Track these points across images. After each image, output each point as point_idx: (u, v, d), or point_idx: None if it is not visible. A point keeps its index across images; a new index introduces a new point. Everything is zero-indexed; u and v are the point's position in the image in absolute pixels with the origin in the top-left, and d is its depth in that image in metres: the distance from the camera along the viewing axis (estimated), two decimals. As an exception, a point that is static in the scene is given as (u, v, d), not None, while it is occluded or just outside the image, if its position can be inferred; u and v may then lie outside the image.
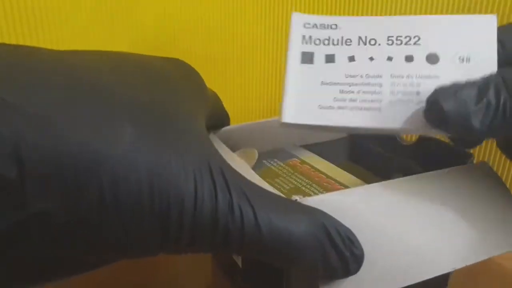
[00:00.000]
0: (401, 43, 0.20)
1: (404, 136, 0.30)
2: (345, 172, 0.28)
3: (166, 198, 0.15)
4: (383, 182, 0.20)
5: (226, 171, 0.16)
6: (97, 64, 0.17)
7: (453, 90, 0.18)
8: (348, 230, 0.17)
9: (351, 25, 0.20)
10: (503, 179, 0.24)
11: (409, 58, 0.20)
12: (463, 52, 0.19)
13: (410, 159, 0.29)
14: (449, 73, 0.19)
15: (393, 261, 0.18)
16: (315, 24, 0.20)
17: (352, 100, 0.19)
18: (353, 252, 0.17)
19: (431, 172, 0.22)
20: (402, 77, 0.19)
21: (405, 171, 0.27)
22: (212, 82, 0.25)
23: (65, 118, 0.14)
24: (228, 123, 0.28)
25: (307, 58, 0.20)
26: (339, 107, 0.19)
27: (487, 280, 0.27)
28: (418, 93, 0.19)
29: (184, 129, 0.17)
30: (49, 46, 0.18)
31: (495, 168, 0.32)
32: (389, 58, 0.20)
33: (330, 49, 0.20)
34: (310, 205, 0.18)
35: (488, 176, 0.22)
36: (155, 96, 0.17)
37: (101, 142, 0.14)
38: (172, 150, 0.15)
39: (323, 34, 0.20)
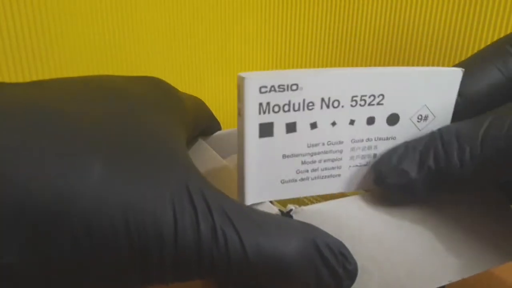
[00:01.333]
0: (365, 104, 0.18)
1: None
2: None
3: (143, 234, 0.14)
4: (377, 190, 0.20)
5: (207, 192, 0.15)
6: (61, 95, 0.16)
7: (395, 162, 0.18)
8: (340, 244, 0.17)
9: (314, 85, 0.17)
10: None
11: (370, 120, 0.19)
12: (423, 110, 0.19)
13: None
14: (405, 133, 0.19)
15: (391, 272, 0.18)
16: (273, 87, 0.17)
17: (313, 170, 0.19)
18: (346, 268, 0.16)
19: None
20: (362, 140, 0.19)
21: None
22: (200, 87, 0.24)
23: (23, 161, 0.13)
24: (217, 128, 0.27)
25: (266, 130, 0.17)
26: (301, 179, 0.19)
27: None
28: (375, 155, 0.19)
29: (158, 153, 0.16)
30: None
31: None
32: (351, 122, 0.19)
33: (291, 116, 0.18)
34: (306, 214, 0.17)
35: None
36: (124, 123, 0.16)
37: (68, 183, 0.13)
38: (145, 180, 0.14)
39: (283, 98, 0.17)
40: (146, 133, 0.16)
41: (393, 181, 0.18)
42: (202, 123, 0.25)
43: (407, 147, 0.19)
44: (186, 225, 0.14)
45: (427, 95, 0.19)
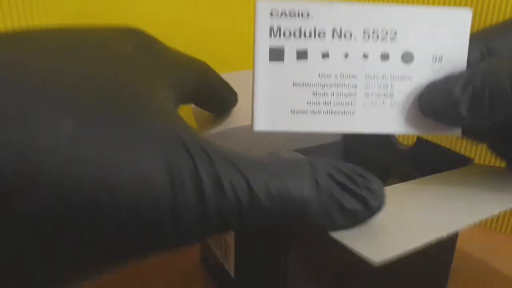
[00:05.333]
0: (378, 39, 0.19)
1: (400, 141, 0.29)
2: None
3: (134, 199, 0.12)
4: (390, 187, 0.20)
5: (205, 143, 0.14)
6: (31, 49, 0.14)
7: (444, 82, 0.19)
8: (356, 167, 0.16)
9: (325, 14, 0.18)
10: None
11: (384, 57, 0.19)
12: (436, 51, 0.19)
13: (406, 164, 0.28)
14: (422, 74, 0.19)
15: (403, 224, 0.17)
16: (284, 12, 0.18)
17: (325, 103, 0.19)
18: (370, 188, 0.16)
19: (427, 177, 0.21)
20: (377, 78, 0.19)
21: (401, 177, 0.26)
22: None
23: None
24: (230, 95, 0.25)
25: (277, 54, 0.18)
26: (313, 112, 0.19)
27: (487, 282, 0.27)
28: (391, 95, 0.19)
29: (142, 104, 0.14)
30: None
31: None
32: (365, 56, 0.19)
33: (302, 43, 0.18)
34: None
35: (487, 180, 0.22)
36: (98, 76, 0.14)
37: (32, 143, 0.11)
38: (128, 134, 0.13)
39: (294, 24, 0.18)
40: (125, 82, 0.15)
41: (438, 104, 0.18)
42: (206, 85, 0.23)
43: (456, 74, 0.19)
44: (185, 179, 0.13)
45: (439, 35, 0.19)
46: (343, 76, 0.19)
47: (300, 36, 0.18)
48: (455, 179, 0.21)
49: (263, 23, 0.18)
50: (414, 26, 0.19)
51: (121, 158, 0.12)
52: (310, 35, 0.18)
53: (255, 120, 0.18)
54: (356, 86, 0.19)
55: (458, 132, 0.20)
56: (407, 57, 0.19)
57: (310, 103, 0.18)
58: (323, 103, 0.19)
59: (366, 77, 0.19)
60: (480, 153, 0.35)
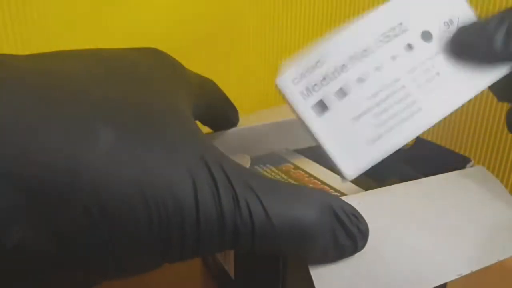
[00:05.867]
0: (392, 38, 0.19)
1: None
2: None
3: (162, 207, 0.13)
4: (380, 189, 0.20)
5: (226, 164, 0.15)
6: (67, 67, 0.15)
7: (476, 23, 0.19)
8: (352, 208, 0.17)
9: (334, 52, 0.19)
10: (502, 183, 0.23)
11: (408, 47, 0.19)
12: (443, 17, 0.20)
13: (406, 164, 0.28)
14: (446, 42, 0.20)
15: (393, 269, 0.18)
16: (302, 74, 0.18)
17: (391, 117, 0.19)
18: (359, 228, 0.17)
19: (428, 178, 0.21)
20: (415, 68, 0.19)
21: (402, 177, 0.26)
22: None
23: (31, 123, 0.12)
24: (233, 115, 0.26)
25: (320, 108, 0.18)
26: (386, 131, 0.19)
27: (488, 278, 0.27)
28: (438, 73, 0.19)
29: (169, 124, 0.15)
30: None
31: (494, 174, 0.31)
32: (393, 58, 0.19)
33: (334, 84, 0.19)
34: None
35: (488, 180, 0.22)
36: (130, 93, 0.15)
37: (74, 149, 0.12)
38: (159, 150, 0.14)
39: (316, 75, 0.19)
40: (158, 102, 0.16)
41: (473, 33, 0.19)
42: (214, 104, 0.24)
43: (476, 21, 0.19)
44: (206, 196, 0.14)
45: (432, 2, 0.20)
46: (387, 85, 0.19)
47: (328, 81, 0.18)
48: (450, 185, 0.21)
49: (293, 94, 0.18)
50: (411, 8, 0.19)
51: (153, 176, 0.13)
52: (335, 75, 0.18)
53: (343, 172, 0.18)
54: (404, 86, 0.19)
55: (503, 71, 0.20)
56: (425, 36, 0.19)
57: (377, 125, 0.19)
58: (389, 118, 0.19)
59: (407, 73, 0.19)
60: (479, 153, 0.35)
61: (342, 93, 0.19)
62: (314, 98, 0.18)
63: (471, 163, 0.24)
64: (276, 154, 0.30)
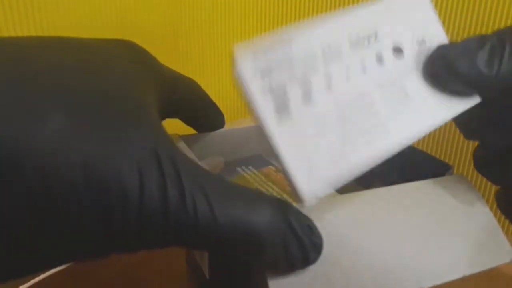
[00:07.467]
0: (363, 46, 0.18)
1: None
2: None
3: (106, 193, 0.13)
4: (346, 195, 0.20)
5: (179, 159, 0.15)
6: (29, 51, 0.15)
7: (456, 43, 0.18)
8: (307, 218, 0.17)
9: (304, 46, 0.16)
10: (480, 192, 0.22)
11: (379, 60, 0.18)
12: (415, 34, 0.19)
13: (389, 168, 0.28)
14: (417, 61, 0.19)
15: (355, 278, 0.17)
16: (267, 67, 0.16)
17: (359, 134, 0.17)
18: (313, 240, 0.16)
19: (400, 185, 0.21)
20: (385, 85, 0.18)
21: (385, 180, 0.26)
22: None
23: None
24: (217, 117, 0.26)
25: (283, 111, 0.16)
26: (352, 151, 0.17)
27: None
28: (407, 95, 0.18)
29: (123, 113, 0.15)
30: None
31: (473, 181, 0.31)
32: (363, 69, 0.18)
33: (300, 87, 0.16)
34: None
35: (465, 189, 0.21)
36: (87, 81, 0.15)
37: (22, 132, 0.13)
38: (112, 138, 0.14)
39: (282, 72, 0.16)
40: (115, 91, 0.16)
41: (455, 54, 0.18)
42: (193, 104, 0.24)
43: (452, 43, 0.19)
44: (153, 188, 0.14)
45: (407, 18, 0.19)
46: (355, 98, 0.17)
47: (295, 80, 0.16)
48: (429, 192, 0.21)
49: (253, 91, 0.16)
50: (386, 21, 0.18)
51: (101, 160, 0.13)
52: (304, 74, 0.16)
53: (301, 195, 0.16)
54: (373, 102, 0.18)
55: (476, 100, 0.19)
56: (397, 52, 0.18)
57: (343, 142, 0.17)
58: (357, 136, 0.17)
59: (377, 88, 0.18)
60: (459, 160, 0.35)
61: (307, 98, 0.16)
62: (277, 99, 0.16)
63: (451, 170, 0.24)
64: (261, 156, 0.30)
